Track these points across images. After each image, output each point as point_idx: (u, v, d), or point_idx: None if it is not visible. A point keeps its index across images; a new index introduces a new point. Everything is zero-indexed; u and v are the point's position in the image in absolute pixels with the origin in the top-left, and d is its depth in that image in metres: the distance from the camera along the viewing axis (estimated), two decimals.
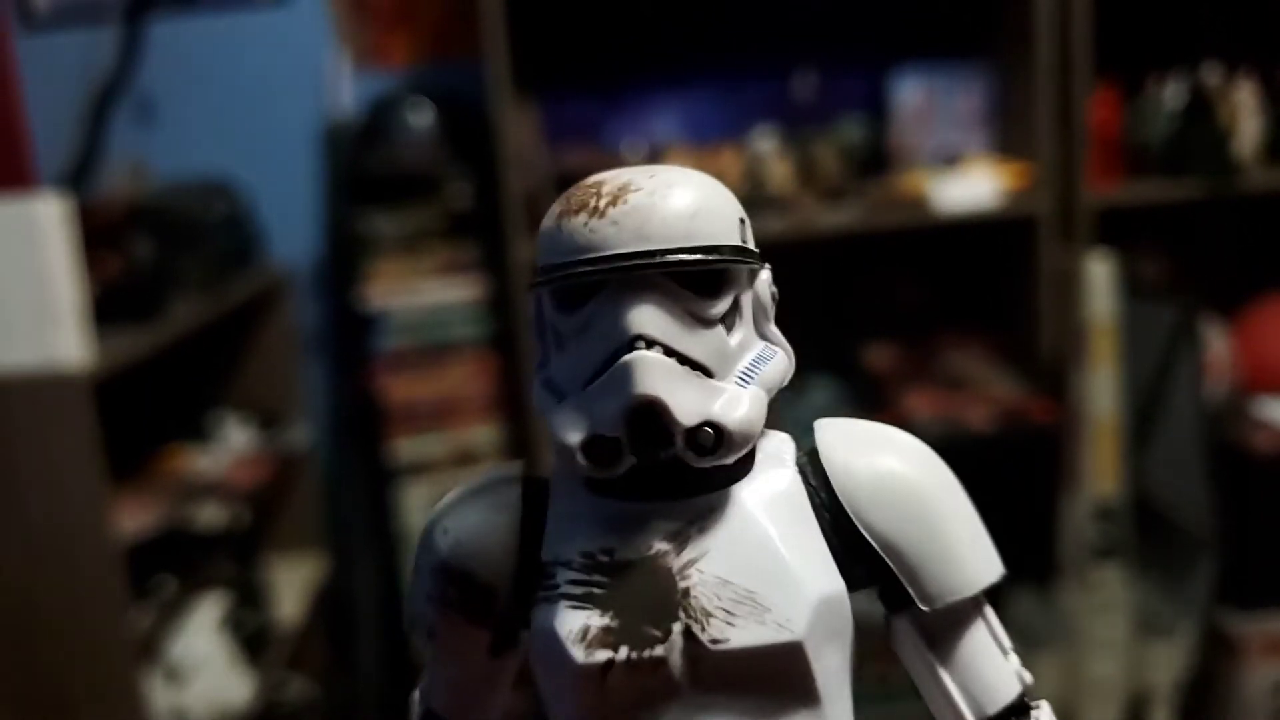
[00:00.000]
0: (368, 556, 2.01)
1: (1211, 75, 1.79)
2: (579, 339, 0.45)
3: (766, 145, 1.81)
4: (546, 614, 0.45)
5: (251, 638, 1.71)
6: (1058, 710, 0.50)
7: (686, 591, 0.44)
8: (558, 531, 0.47)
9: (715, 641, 0.44)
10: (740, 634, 0.44)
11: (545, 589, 0.46)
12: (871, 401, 1.78)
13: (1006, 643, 0.49)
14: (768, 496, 0.46)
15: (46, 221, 1.27)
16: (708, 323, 0.45)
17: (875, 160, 1.90)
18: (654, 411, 0.42)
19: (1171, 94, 1.79)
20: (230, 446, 1.88)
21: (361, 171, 1.90)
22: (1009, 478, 1.58)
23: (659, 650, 0.44)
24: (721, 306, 0.45)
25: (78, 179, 1.90)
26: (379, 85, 1.99)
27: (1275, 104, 1.80)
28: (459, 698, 0.51)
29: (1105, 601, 1.70)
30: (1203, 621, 1.72)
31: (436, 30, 2.03)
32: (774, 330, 0.49)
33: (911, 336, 1.93)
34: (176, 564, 1.60)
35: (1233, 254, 1.98)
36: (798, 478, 0.47)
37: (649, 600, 0.44)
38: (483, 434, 1.89)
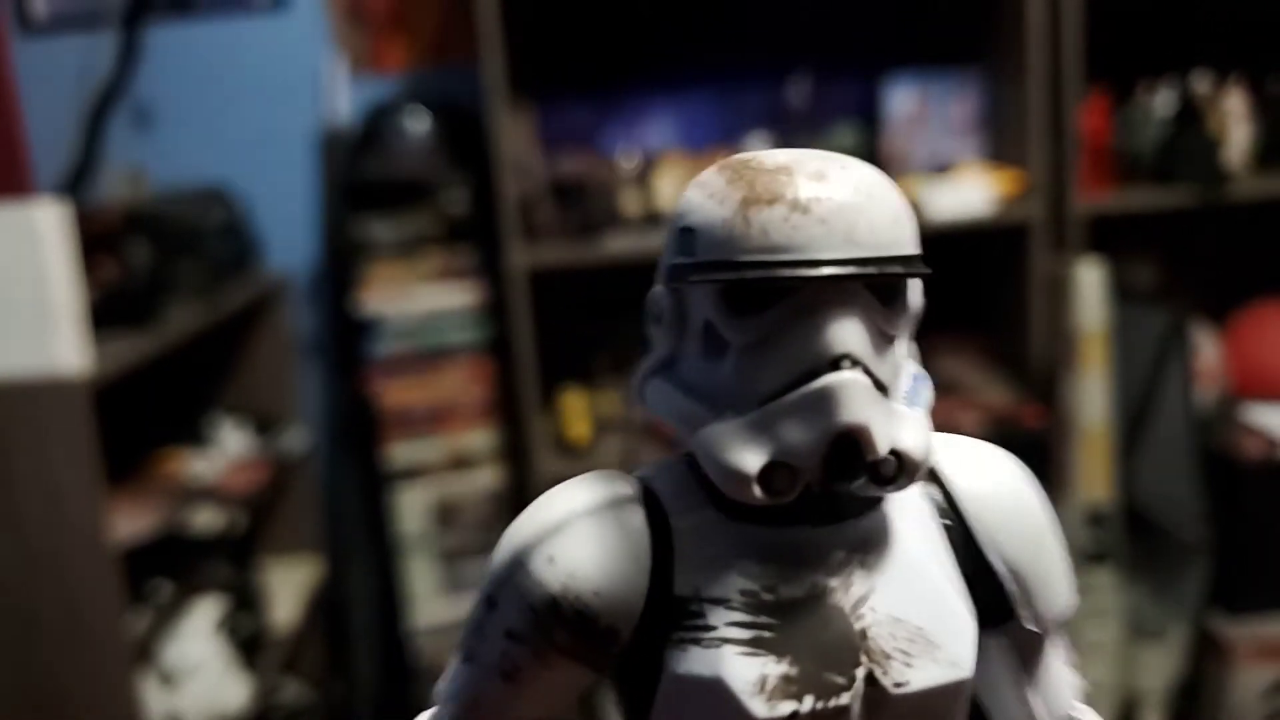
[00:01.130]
0: (364, 560, 2.01)
1: (1201, 84, 1.81)
2: (756, 348, 0.40)
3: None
4: (701, 660, 0.40)
5: (247, 641, 1.72)
6: None
7: (864, 633, 0.41)
8: (694, 562, 0.41)
9: (898, 685, 0.40)
10: (919, 675, 0.41)
11: (690, 630, 0.40)
12: None
13: (1073, 656, 0.49)
14: (909, 520, 0.43)
15: (45, 227, 1.28)
16: (890, 339, 0.41)
17: None
18: (856, 441, 0.38)
19: (1162, 102, 1.80)
20: (226, 451, 1.88)
21: (358, 177, 1.91)
22: None
23: (844, 699, 0.40)
24: (902, 322, 0.42)
25: (75, 185, 1.91)
26: (376, 91, 2.00)
27: (1264, 112, 1.81)
28: None
29: (1096, 606, 1.70)
30: (1193, 626, 1.73)
31: (433, 36, 2.04)
32: (913, 344, 0.45)
33: None
34: (172, 568, 1.60)
35: (1222, 261, 1.99)
36: (924, 498, 0.44)
37: (829, 644, 0.40)
38: (478, 439, 1.90)
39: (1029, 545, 0.45)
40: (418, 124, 1.90)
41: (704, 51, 1.97)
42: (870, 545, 0.42)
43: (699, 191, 0.42)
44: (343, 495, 2.05)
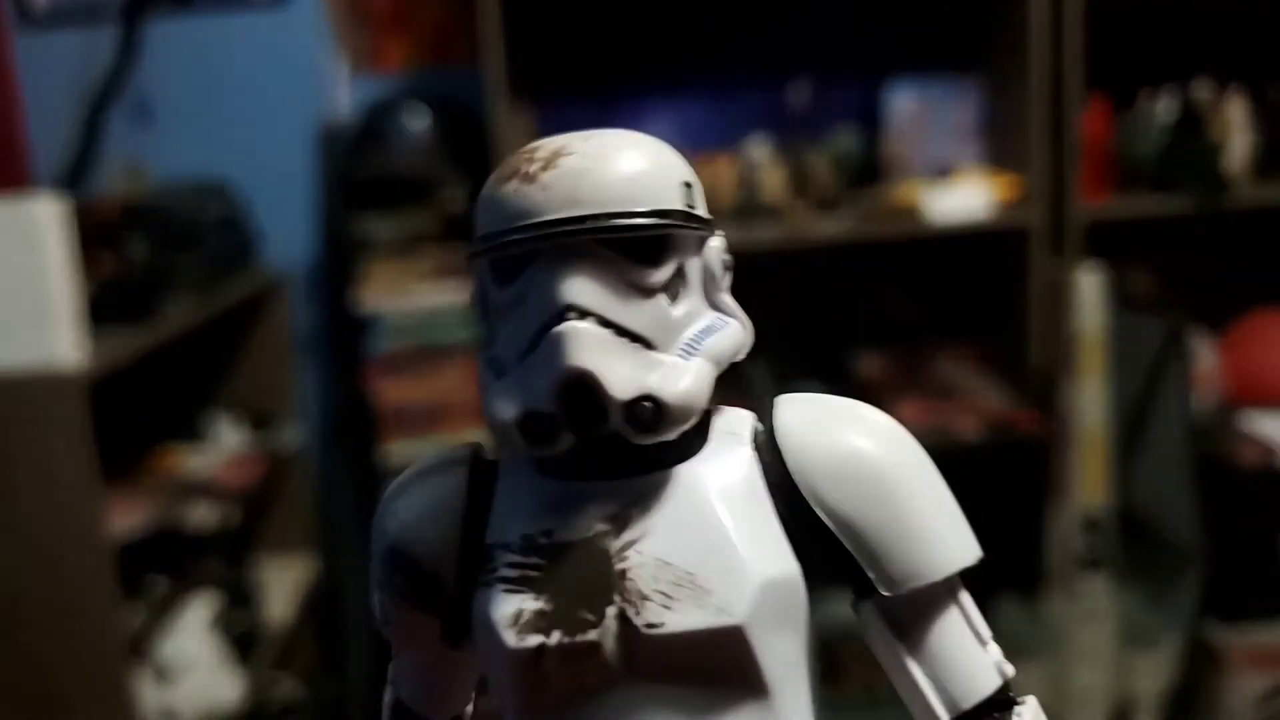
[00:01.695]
0: (358, 558, 2.01)
1: (1202, 91, 1.81)
2: (514, 312, 0.43)
3: (760, 154, 1.82)
4: (484, 599, 0.43)
5: (241, 638, 1.72)
6: None
7: (623, 573, 0.42)
8: (502, 514, 0.45)
9: (650, 626, 0.41)
10: (676, 618, 0.41)
11: (486, 573, 0.44)
12: None
13: (985, 633, 0.46)
14: (719, 475, 0.44)
15: (43, 221, 1.28)
16: (647, 292, 0.43)
17: (868, 171, 1.91)
18: (586, 385, 0.40)
19: (1163, 109, 1.81)
20: (222, 447, 1.88)
21: (357, 175, 1.91)
22: (997, 488, 1.59)
23: (591, 635, 0.42)
24: (662, 275, 0.43)
25: (74, 179, 1.91)
26: (375, 89, 2.00)
27: (1265, 120, 1.82)
28: (422, 687, 0.50)
29: (1091, 612, 1.71)
30: (1187, 633, 1.73)
31: (433, 35, 2.04)
32: (728, 300, 0.46)
33: (902, 346, 1.94)
34: (167, 564, 1.60)
35: (1221, 268, 1.99)
36: (753, 455, 0.45)
37: (583, 583, 0.42)
38: (474, 438, 1.90)
39: (870, 502, 0.44)
40: (417, 122, 1.90)
41: (705, 53, 1.98)
42: (657, 495, 0.43)
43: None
44: (338, 493, 2.05)
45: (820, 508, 0.44)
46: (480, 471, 0.47)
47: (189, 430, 1.90)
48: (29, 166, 1.90)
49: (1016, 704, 0.46)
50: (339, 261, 1.97)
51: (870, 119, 1.95)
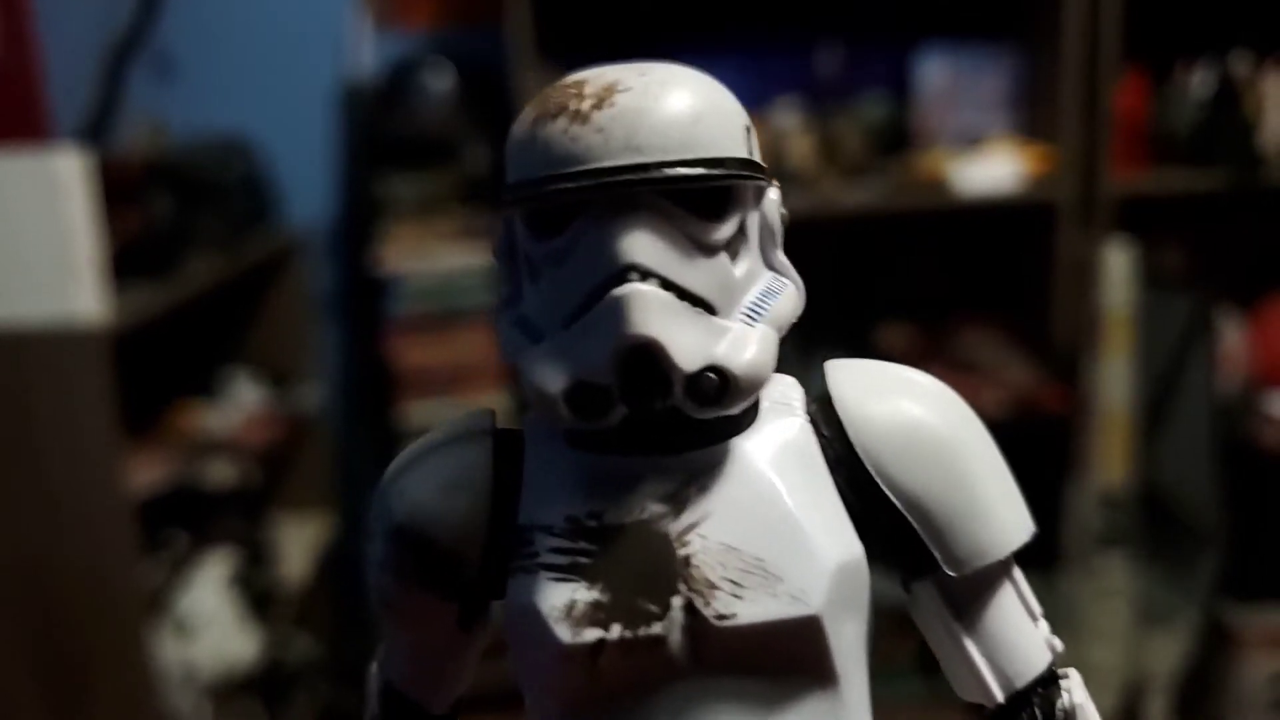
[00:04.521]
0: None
1: (1240, 65, 1.77)
2: (557, 269, 0.39)
3: (789, 120, 1.80)
4: (525, 586, 0.40)
5: (259, 596, 1.73)
6: None
7: (686, 560, 0.39)
8: (535, 492, 0.41)
9: (721, 617, 0.38)
10: (749, 608, 0.38)
11: (522, 557, 0.40)
12: None
13: (1037, 608, 0.44)
14: (776, 449, 0.41)
15: (67, 176, 1.27)
16: (710, 250, 0.39)
17: (897, 139, 1.89)
18: (650, 355, 0.36)
19: (1199, 83, 1.77)
20: (241, 405, 1.88)
21: (379, 134, 1.89)
22: (1018, 463, 1.57)
23: (656, 628, 0.38)
24: (726, 230, 0.39)
25: (95, 133, 1.90)
26: (400, 47, 1.98)
27: None
28: (421, 672, 0.47)
29: (1108, 589, 1.70)
30: (1204, 613, 1.72)
31: None
32: (783, 259, 0.42)
33: (926, 318, 1.92)
34: (187, 520, 1.61)
35: (1253, 247, 1.96)
36: (808, 427, 0.41)
37: (644, 570, 0.39)
38: (493, 401, 1.90)
39: (938, 478, 0.41)
40: (441, 81, 1.88)
41: (733, 14, 1.94)
42: (714, 472, 0.40)
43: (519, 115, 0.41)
44: (356, 453, 2.06)
45: (887, 484, 0.41)
46: (504, 443, 0.43)
47: (208, 388, 1.91)
48: (49, 118, 1.89)
49: (1061, 678, 0.44)
50: (359, 221, 1.96)
51: (900, 86, 1.92)
